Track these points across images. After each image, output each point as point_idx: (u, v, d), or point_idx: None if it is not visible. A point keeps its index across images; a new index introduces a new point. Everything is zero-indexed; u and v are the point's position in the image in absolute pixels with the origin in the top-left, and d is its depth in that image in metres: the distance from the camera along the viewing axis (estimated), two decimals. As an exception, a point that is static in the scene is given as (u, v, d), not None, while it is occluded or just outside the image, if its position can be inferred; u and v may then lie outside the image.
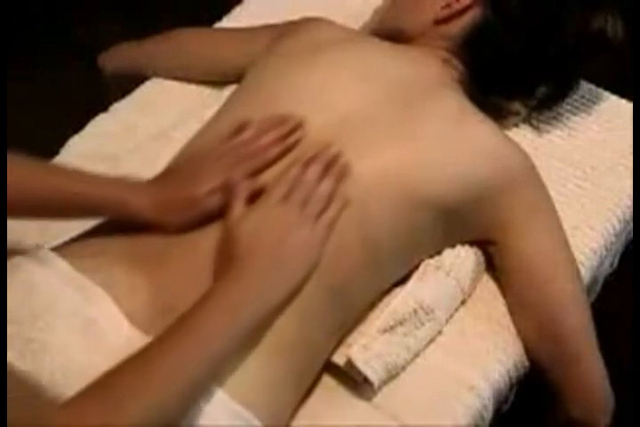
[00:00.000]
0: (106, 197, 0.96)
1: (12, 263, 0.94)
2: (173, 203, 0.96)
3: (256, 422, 0.89)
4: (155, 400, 0.79)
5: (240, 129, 1.03)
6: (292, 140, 1.01)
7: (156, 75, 1.35)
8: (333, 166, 0.97)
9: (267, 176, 0.98)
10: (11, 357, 0.85)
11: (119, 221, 1.01)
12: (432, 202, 1.01)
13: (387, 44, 1.15)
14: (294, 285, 0.91)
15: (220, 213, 0.95)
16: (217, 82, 1.30)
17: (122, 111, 1.32)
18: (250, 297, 0.88)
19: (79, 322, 0.89)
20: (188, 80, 1.33)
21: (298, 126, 1.02)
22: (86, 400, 0.78)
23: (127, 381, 0.79)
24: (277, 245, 0.91)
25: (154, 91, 1.34)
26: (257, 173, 0.98)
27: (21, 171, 0.93)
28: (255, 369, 0.91)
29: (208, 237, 0.95)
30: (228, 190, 0.95)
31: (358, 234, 0.97)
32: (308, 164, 0.97)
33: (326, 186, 0.96)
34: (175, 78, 1.34)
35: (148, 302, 0.92)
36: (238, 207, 0.93)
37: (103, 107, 1.33)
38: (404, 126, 1.03)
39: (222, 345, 0.85)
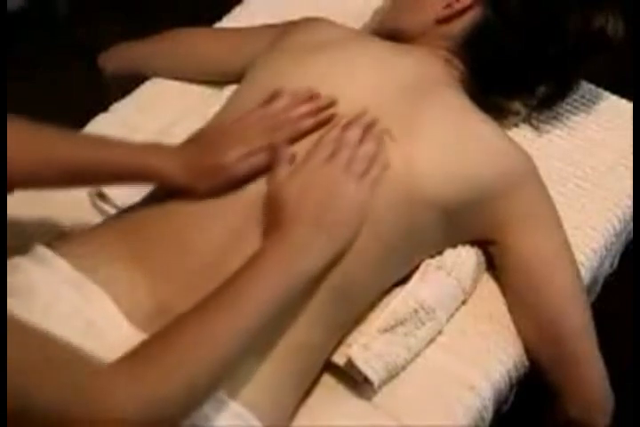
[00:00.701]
0: (138, 163, 0.97)
1: (12, 263, 0.94)
2: (204, 169, 0.97)
3: (255, 422, 0.89)
4: (210, 358, 0.80)
5: (272, 98, 1.03)
6: (323, 115, 1.01)
7: (156, 75, 1.35)
8: (371, 130, 0.98)
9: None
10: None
11: (119, 220, 1.01)
12: (435, 201, 1.01)
13: (389, 44, 1.15)
14: (343, 245, 0.92)
15: (219, 210, 0.96)
16: (217, 82, 1.30)
17: (122, 111, 1.32)
18: (296, 260, 0.88)
19: (79, 322, 0.89)
20: (188, 80, 1.33)
21: (331, 104, 1.02)
22: (126, 368, 0.78)
23: (183, 343, 0.80)
24: (324, 205, 0.91)
25: (154, 91, 1.34)
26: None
27: (50, 140, 0.95)
28: (255, 369, 0.91)
29: (205, 239, 0.95)
30: (261, 156, 0.96)
31: (363, 233, 0.97)
32: (346, 127, 0.97)
33: (368, 147, 0.97)
34: (175, 78, 1.34)
35: (146, 301, 0.92)
36: (283, 169, 0.93)
37: (103, 107, 1.33)
38: (409, 125, 1.03)
39: (267, 309, 0.85)
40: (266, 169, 0.97)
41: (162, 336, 0.82)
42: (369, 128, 0.99)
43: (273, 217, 0.92)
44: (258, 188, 0.98)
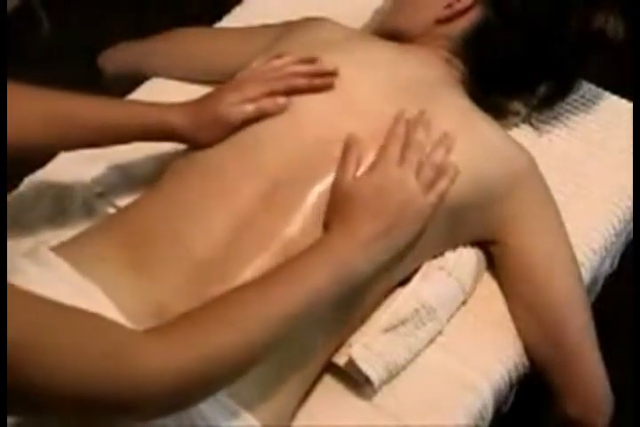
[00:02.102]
0: (148, 119, 1.02)
1: (12, 263, 0.94)
2: (203, 120, 1.02)
3: (254, 422, 0.89)
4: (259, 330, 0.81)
5: (274, 58, 1.08)
6: (319, 82, 1.03)
7: (156, 75, 1.35)
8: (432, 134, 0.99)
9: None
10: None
11: (118, 221, 1.01)
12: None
13: (389, 45, 1.15)
14: (395, 253, 0.94)
15: (216, 212, 0.97)
16: (217, 82, 1.30)
17: (122, 111, 1.32)
18: (357, 258, 0.90)
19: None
20: (188, 80, 1.33)
21: (332, 72, 1.05)
22: (178, 331, 0.78)
23: (228, 316, 0.81)
24: (394, 212, 0.92)
25: (154, 91, 1.34)
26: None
27: (63, 102, 1.01)
28: (255, 370, 0.90)
29: (202, 240, 0.96)
30: (255, 103, 1.01)
31: None
32: (414, 127, 0.98)
33: (440, 154, 0.98)
34: (175, 78, 1.34)
35: (144, 301, 0.92)
36: (353, 166, 0.95)
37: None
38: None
39: (316, 298, 0.86)
40: (261, 118, 1.02)
41: (207, 308, 0.83)
42: (430, 129, 1.00)
43: (340, 211, 0.93)
44: (252, 190, 0.98)
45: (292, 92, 1.03)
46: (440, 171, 0.97)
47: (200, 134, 1.03)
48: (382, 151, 0.97)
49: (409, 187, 0.94)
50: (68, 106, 1.01)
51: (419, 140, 0.98)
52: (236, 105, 1.02)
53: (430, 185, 0.96)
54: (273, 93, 1.03)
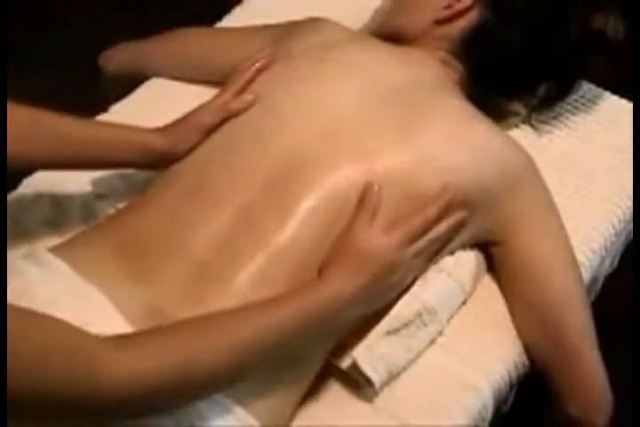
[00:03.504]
0: (120, 137, 1.04)
1: (12, 264, 0.94)
2: (177, 129, 1.06)
3: (253, 422, 0.89)
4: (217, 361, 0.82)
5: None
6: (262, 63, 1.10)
7: (156, 75, 1.35)
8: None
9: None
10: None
11: (116, 222, 1.01)
12: None
13: (387, 47, 1.15)
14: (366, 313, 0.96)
15: (211, 215, 0.97)
16: (217, 82, 1.30)
17: (122, 111, 1.32)
18: (340, 307, 0.91)
19: (78, 323, 0.89)
20: (188, 80, 1.33)
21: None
22: (144, 342, 0.80)
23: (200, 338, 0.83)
24: (388, 281, 0.94)
25: (154, 91, 1.34)
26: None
27: (45, 116, 1.02)
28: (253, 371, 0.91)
29: (197, 245, 0.96)
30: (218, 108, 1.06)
31: None
32: (441, 216, 0.99)
33: (441, 229, 0.99)
34: (175, 78, 1.34)
35: (143, 304, 0.93)
36: (366, 218, 0.95)
37: (103, 107, 1.33)
38: (406, 131, 1.03)
39: (294, 333, 0.88)
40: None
41: (181, 323, 0.85)
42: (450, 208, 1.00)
43: (343, 255, 0.94)
44: (247, 191, 0.98)
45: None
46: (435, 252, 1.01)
47: (179, 147, 1.05)
48: (403, 222, 0.97)
49: (402, 264, 0.96)
50: (50, 120, 1.02)
51: (437, 235, 0.99)
52: (207, 109, 1.08)
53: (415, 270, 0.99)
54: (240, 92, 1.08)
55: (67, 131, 1.02)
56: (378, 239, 0.94)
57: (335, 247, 0.95)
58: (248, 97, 1.07)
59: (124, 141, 1.05)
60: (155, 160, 1.06)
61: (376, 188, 0.97)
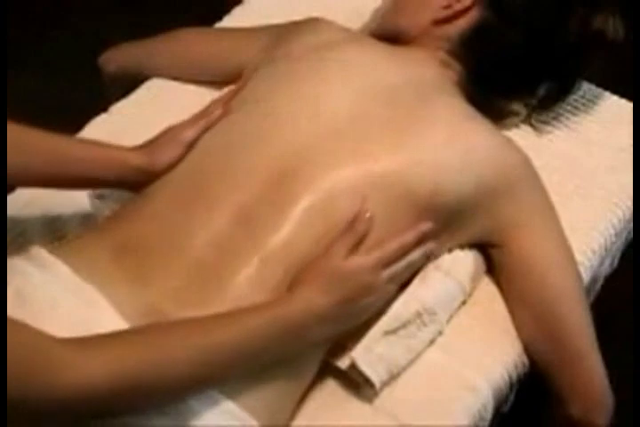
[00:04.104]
0: (96, 154, 1.03)
1: (12, 264, 0.94)
2: (156, 146, 1.05)
3: (252, 422, 0.89)
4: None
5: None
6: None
7: (157, 75, 1.35)
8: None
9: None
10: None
11: (115, 223, 1.01)
12: (432, 206, 1.01)
13: (384, 47, 1.15)
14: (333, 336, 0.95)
15: (207, 216, 0.97)
16: (217, 82, 1.30)
17: (122, 111, 1.32)
18: (308, 323, 0.91)
19: (78, 324, 0.89)
20: (188, 80, 1.33)
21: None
22: (102, 346, 0.80)
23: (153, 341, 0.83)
24: (354, 299, 0.93)
25: (154, 91, 1.34)
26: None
27: (26, 131, 0.99)
28: (252, 371, 0.91)
29: (196, 246, 0.96)
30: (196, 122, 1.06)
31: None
32: (423, 240, 0.99)
33: (416, 255, 0.99)
34: (175, 78, 1.34)
35: (141, 305, 0.93)
36: (348, 246, 0.94)
37: (103, 107, 1.33)
38: (404, 132, 1.03)
39: (247, 347, 0.87)
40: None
41: (143, 329, 0.86)
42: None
43: (318, 272, 0.93)
44: (246, 196, 0.98)
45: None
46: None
47: (157, 160, 1.04)
48: (382, 245, 0.96)
49: (374, 287, 0.95)
50: (19, 134, 0.99)
51: (411, 262, 0.99)
52: (188, 123, 1.07)
53: (386, 295, 0.98)
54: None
55: (36, 145, 1.00)
56: (354, 259, 0.94)
57: (312, 264, 0.94)
58: (218, 111, 1.07)
59: (100, 158, 1.03)
60: (133, 177, 1.04)
61: (367, 215, 0.96)
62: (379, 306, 0.98)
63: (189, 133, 1.05)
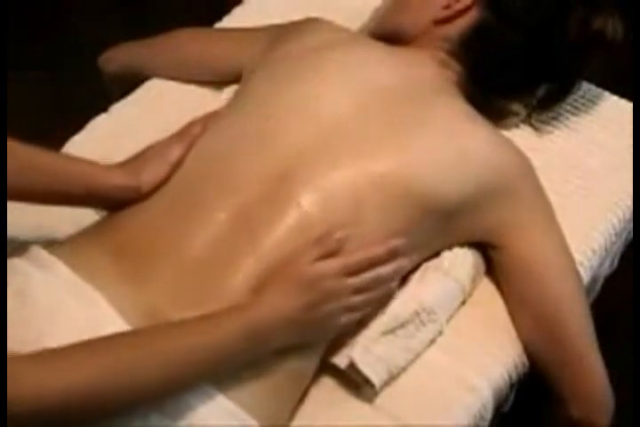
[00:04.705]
0: (78, 171, 1.00)
1: (11, 264, 0.94)
2: (142, 164, 1.02)
3: (252, 421, 0.89)
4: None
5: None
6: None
7: (156, 75, 1.35)
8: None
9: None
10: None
11: (114, 221, 1.01)
12: (429, 207, 1.01)
13: (383, 47, 1.15)
14: (294, 343, 0.93)
15: (207, 217, 0.97)
16: (217, 82, 1.30)
17: (122, 111, 1.32)
18: (269, 327, 0.90)
19: (78, 324, 0.89)
20: (188, 80, 1.33)
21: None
22: (53, 359, 0.80)
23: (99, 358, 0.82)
24: (317, 305, 0.92)
25: (154, 91, 1.34)
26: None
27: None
28: (251, 371, 0.92)
29: (194, 246, 0.96)
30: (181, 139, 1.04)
31: (356, 238, 0.97)
32: (394, 255, 0.97)
33: (379, 294, 0.98)
34: (175, 78, 1.34)
35: (140, 307, 0.93)
36: (316, 253, 0.94)
37: (103, 107, 1.33)
38: (403, 133, 1.03)
39: (221, 354, 0.87)
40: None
41: (101, 339, 0.84)
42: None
43: (283, 277, 0.93)
44: (245, 197, 0.98)
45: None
46: (368, 305, 0.98)
47: (142, 178, 1.01)
48: (350, 253, 0.96)
49: (340, 297, 0.94)
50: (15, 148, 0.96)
51: (382, 278, 0.97)
52: (174, 141, 1.05)
53: (353, 310, 0.96)
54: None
55: (31, 162, 0.97)
56: (319, 264, 0.93)
57: (278, 269, 0.94)
58: (197, 129, 1.05)
59: (84, 176, 1.00)
60: (117, 196, 1.01)
61: (338, 235, 0.95)
62: (348, 321, 0.96)
63: (176, 152, 1.03)
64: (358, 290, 0.95)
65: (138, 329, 0.88)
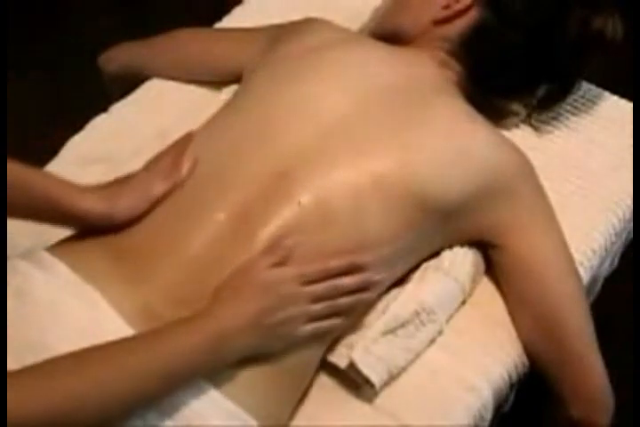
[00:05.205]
0: (43, 187, 0.96)
1: (11, 264, 0.94)
2: (122, 193, 0.99)
3: (252, 422, 0.89)
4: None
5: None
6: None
7: (156, 75, 1.35)
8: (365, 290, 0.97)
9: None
10: (11, 360, 0.85)
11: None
12: (429, 207, 1.01)
13: (383, 47, 1.15)
14: (245, 355, 0.91)
15: (206, 219, 0.97)
16: (216, 82, 1.30)
17: (122, 111, 1.32)
18: (222, 344, 0.88)
19: (77, 324, 0.90)
20: (188, 80, 1.33)
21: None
22: (31, 375, 0.80)
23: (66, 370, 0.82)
24: (272, 310, 0.91)
25: (154, 91, 1.34)
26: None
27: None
28: (251, 370, 0.92)
29: (192, 247, 0.96)
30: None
31: (356, 237, 0.98)
32: (357, 269, 0.96)
33: (346, 303, 0.96)
34: (175, 78, 1.34)
35: (137, 304, 0.93)
36: (272, 258, 0.93)
37: (103, 107, 1.33)
38: (402, 133, 1.03)
39: (166, 371, 0.85)
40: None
41: (70, 355, 0.83)
42: (365, 282, 0.97)
43: (238, 282, 0.92)
44: (244, 197, 0.98)
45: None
46: (336, 313, 0.96)
47: (117, 207, 0.98)
48: (303, 264, 0.95)
49: (299, 308, 0.93)
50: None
51: (341, 286, 0.95)
52: (157, 177, 1.01)
53: (318, 318, 0.95)
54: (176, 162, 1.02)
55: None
56: (274, 270, 0.93)
57: (231, 276, 0.93)
58: (185, 168, 1.01)
59: (46, 190, 0.96)
60: (85, 220, 0.98)
61: (289, 242, 0.94)
62: (307, 331, 0.94)
63: (158, 190, 0.99)
64: (317, 298, 0.94)
65: (103, 345, 0.85)
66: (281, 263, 0.94)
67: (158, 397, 0.86)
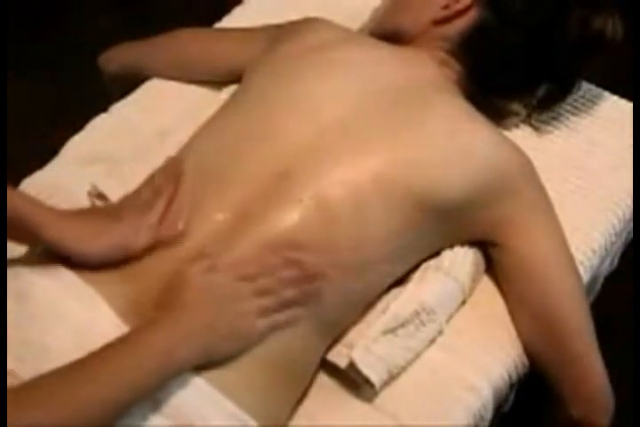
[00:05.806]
0: (24, 212, 0.92)
1: (11, 266, 0.94)
2: (97, 233, 0.95)
3: (252, 422, 0.89)
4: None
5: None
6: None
7: (156, 75, 1.35)
8: (308, 281, 0.96)
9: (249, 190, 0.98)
10: (10, 360, 0.85)
11: None
12: (430, 206, 1.01)
13: (383, 47, 1.15)
14: (213, 357, 0.90)
15: (205, 220, 0.97)
16: (216, 82, 1.30)
17: (122, 111, 1.32)
18: (177, 349, 0.87)
19: (80, 326, 0.90)
20: (188, 80, 1.33)
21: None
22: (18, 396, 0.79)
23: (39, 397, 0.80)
24: (215, 311, 0.91)
25: (154, 91, 1.34)
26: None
27: None
28: (250, 370, 0.92)
29: (189, 246, 0.96)
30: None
31: (357, 236, 0.98)
32: (290, 264, 0.95)
33: (294, 295, 0.95)
34: (175, 78, 1.34)
35: (130, 301, 0.93)
36: (199, 267, 0.93)
37: (103, 107, 1.33)
38: (402, 132, 1.03)
39: (130, 385, 0.84)
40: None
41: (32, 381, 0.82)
42: (308, 278, 0.96)
43: (173, 294, 0.92)
44: (243, 196, 0.98)
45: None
46: (286, 306, 0.95)
47: (90, 249, 0.94)
48: (242, 263, 0.95)
49: (242, 305, 0.92)
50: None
51: (283, 278, 0.95)
52: (143, 231, 0.97)
53: (267, 312, 0.94)
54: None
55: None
56: (210, 273, 0.93)
57: (167, 288, 0.93)
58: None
59: (20, 212, 0.92)
60: (58, 250, 0.94)
61: (209, 249, 0.94)
62: (275, 321, 0.93)
63: (140, 243, 0.96)
64: (261, 292, 0.93)
65: (55, 370, 0.83)
66: (214, 268, 0.93)
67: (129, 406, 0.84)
